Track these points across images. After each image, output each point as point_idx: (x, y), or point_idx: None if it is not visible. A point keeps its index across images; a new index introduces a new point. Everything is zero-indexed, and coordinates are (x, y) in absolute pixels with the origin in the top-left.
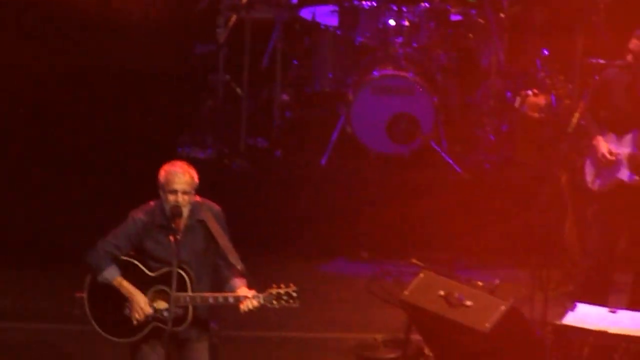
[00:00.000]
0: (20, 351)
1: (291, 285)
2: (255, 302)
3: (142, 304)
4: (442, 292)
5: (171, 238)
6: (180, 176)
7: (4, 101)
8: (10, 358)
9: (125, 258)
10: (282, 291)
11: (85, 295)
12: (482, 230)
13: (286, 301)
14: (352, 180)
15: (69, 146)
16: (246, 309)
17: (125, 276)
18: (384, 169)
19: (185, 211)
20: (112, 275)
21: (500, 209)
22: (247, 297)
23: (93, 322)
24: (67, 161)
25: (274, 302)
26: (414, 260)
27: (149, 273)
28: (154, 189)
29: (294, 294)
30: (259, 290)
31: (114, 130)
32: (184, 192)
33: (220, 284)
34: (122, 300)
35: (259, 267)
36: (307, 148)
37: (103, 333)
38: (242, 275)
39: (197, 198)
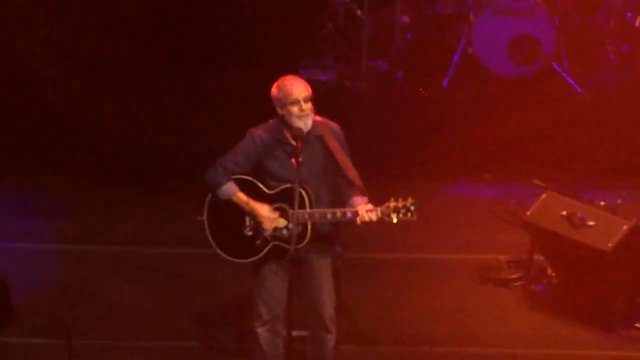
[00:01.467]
0: (140, 273)
1: (409, 198)
2: (372, 215)
3: (265, 213)
4: (564, 213)
5: (293, 161)
6: (297, 85)
7: None
8: (131, 280)
9: (243, 177)
10: (399, 204)
11: (205, 217)
12: (603, 150)
13: (404, 214)
14: (473, 102)
15: (192, 74)
16: (363, 221)
17: (245, 194)
18: (505, 90)
19: (310, 123)
20: (233, 190)
21: (622, 128)
22: (364, 210)
23: (213, 244)
24: (191, 84)
25: (392, 215)
26: (536, 181)
27: (267, 191)
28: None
29: (412, 207)
30: (378, 206)
31: (235, 52)
32: (306, 100)
33: (341, 202)
34: (241, 220)
35: (380, 188)
36: (428, 70)
37: (224, 254)
38: (362, 193)
39: (317, 117)
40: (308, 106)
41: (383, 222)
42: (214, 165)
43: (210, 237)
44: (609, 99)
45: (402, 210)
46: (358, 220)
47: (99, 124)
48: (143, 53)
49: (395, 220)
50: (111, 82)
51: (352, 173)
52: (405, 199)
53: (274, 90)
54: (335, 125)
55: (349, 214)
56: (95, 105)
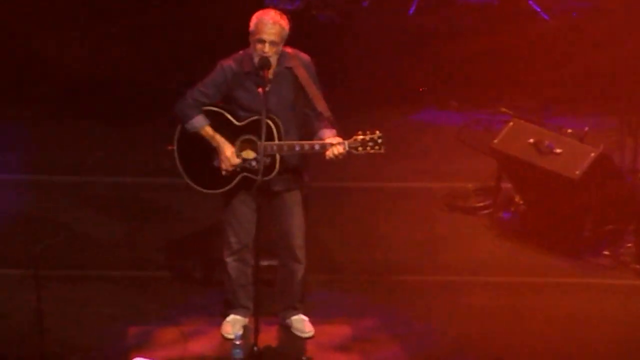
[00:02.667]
0: (107, 203)
1: (376, 131)
2: (340, 149)
3: (228, 153)
4: (531, 140)
5: (260, 90)
6: (270, 26)
7: None
8: (99, 210)
9: (213, 108)
10: (367, 137)
11: (175, 147)
12: (570, 77)
13: (371, 147)
14: (439, 30)
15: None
16: (332, 155)
17: (213, 126)
18: (471, 17)
19: (273, 61)
20: (201, 123)
21: (588, 55)
22: (332, 144)
23: (183, 174)
24: (156, 17)
25: (360, 148)
26: (504, 109)
27: (237, 122)
28: (242, 40)
29: (379, 140)
30: (346, 138)
31: None
32: (272, 43)
33: (309, 134)
34: (211, 151)
35: (348, 117)
36: None
37: (193, 184)
38: (331, 125)
39: (288, 48)
40: (272, 50)
41: (351, 155)
42: (183, 97)
43: (180, 168)
44: (575, 25)
45: (370, 144)
46: (327, 153)
47: (65, 53)
48: None
49: (362, 153)
50: (75, 11)
51: (322, 105)
52: (372, 132)
53: (252, 18)
54: (305, 57)
55: (317, 147)
56: (61, 35)
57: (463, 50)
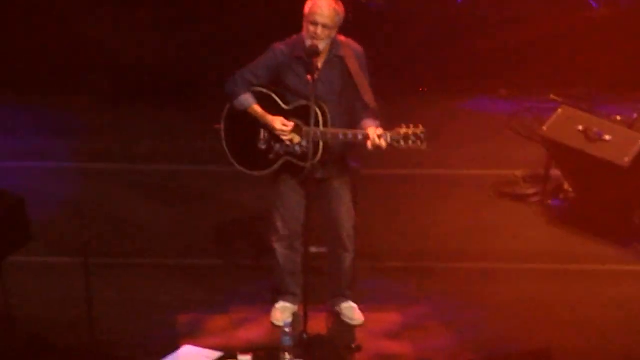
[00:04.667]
0: (157, 191)
1: (419, 126)
2: (382, 141)
3: (280, 124)
4: (580, 127)
5: (308, 77)
6: (324, 8)
7: None
8: (149, 198)
9: (261, 89)
10: (409, 131)
11: (222, 126)
12: (620, 64)
13: (413, 142)
14: (488, 17)
15: None
16: (372, 146)
17: (261, 107)
18: (520, 5)
19: (323, 46)
20: (249, 101)
21: (638, 42)
22: (374, 135)
23: (228, 154)
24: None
25: (401, 142)
26: (553, 96)
27: (284, 106)
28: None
29: (422, 135)
30: (391, 129)
31: None
32: (325, 26)
33: (354, 123)
34: (257, 133)
35: (396, 104)
36: None
37: (237, 165)
38: (376, 116)
39: (341, 37)
40: (325, 33)
41: (392, 147)
42: (233, 76)
43: (225, 146)
44: (623, 12)
45: (412, 138)
46: (368, 143)
47: (115, 42)
48: None
49: (404, 147)
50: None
51: (369, 96)
52: (416, 126)
53: (307, 2)
54: (358, 47)
55: (359, 136)
56: (111, 24)
57: (512, 37)
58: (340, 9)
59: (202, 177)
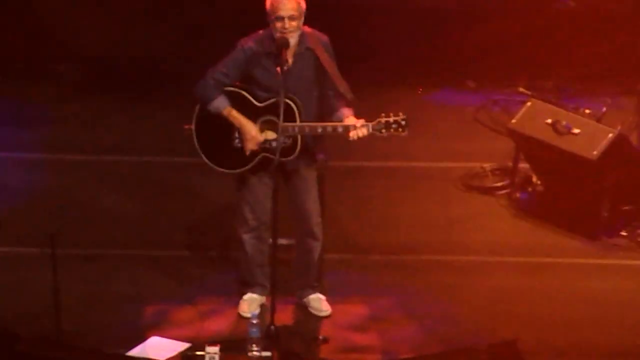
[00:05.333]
0: (125, 182)
1: (400, 113)
2: (364, 131)
3: (253, 132)
4: (549, 120)
5: (278, 69)
6: (285, 2)
7: None
8: (116, 190)
9: (233, 89)
10: (391, 119)
11: (193, 126)
12: (588, 57)
13: (395, 129)
14: (457, 9)
15: None
16: (355, 137)
17: (234, 107)
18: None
19: (293, 40)
20: (223, 104)
21: (607, 35)
22: (355, 125)
23: (201, 154)
24: None
25: (383, 130)
26: (521, 89)
27: (257, 103)
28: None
29: (403, 122)
30: (367, 119)
31: None
32: (291, 18)
33: (328, 114)
34: (231, 131)
35: (366, 96)
36: None
37: (212, 164)
38: (350, 105)
39: (306, 28)
40: (292, 24)
41: (373, 136)
42: (204, 78)
43: (198, 147)
44: (593, 4)
45: (394, 125)
46: (350, 135)
47: (83, 33)
48: None
49: (385, 135)
50: None
51: (343, 86)
52: (396, 114)
53: (266, 1)
54: (324, 37)
55: (340, 129)
56: (80, 14)
57: (480, 30)
58: None
59: (169, 169)
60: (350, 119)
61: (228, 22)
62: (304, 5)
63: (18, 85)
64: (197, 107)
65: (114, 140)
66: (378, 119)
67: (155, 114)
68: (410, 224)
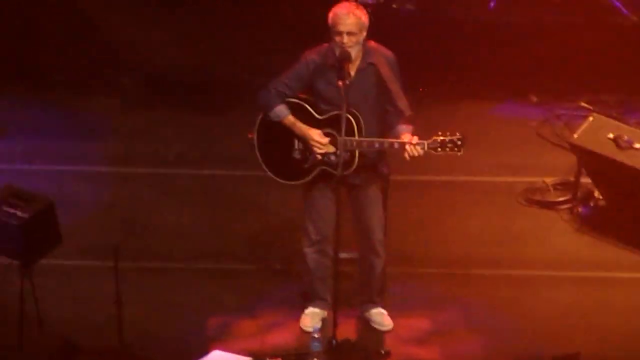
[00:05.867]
0: (188, 196)
1: (457, 133)
2: (419, 149)
3: (316, 136)
4: (611, 135)
5: (339, 83)
6: (344, 17)
7: None
8: (179, 203)
9: (294, 100)
10: (446, 138)
11: (255, 136)
12: None
13: (451, 149)
14: (520, 24)
15: None
16: (409, 155)
17: (295, 117)
18: (552, 11)
19: (354, 53)
20: (284, 113)
21: None
22: (411, 143)
23: (262, 164)
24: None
25: (439, 149)
26: (584, 103)
27: (317, 116)
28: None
29: (459, 142)
30: (425, 137)
31: None
32: (350, 33)
33: (387, 129)
34: (291, 142)
35: (427, 109)
36: None
37: (272, 174)
38: (410, 122)
39: (372, 43)
40: (352, 40)
41: (429, 155)
42: (266, 87)
43: (259, 156)
44: None
45: (449, 145)
46: (405, 153)
47: (147, 44)
48: None
49: (441, 154)
50: (160, 4)
51: (403, 103)
52: (453, 133)
53: (329, 14)
54: (389, 53)
55: (396, 145)
56: (142, 27)
57: (543, 43)
58: (361, 13)
59: (232, 181)
60: (406, 136)
61: (290, 38)
62: (365, 20)
63: (81, 96)
64: (259, 117)
65: (177, 152)
66: (434, 137)
67: (216, 127)
68: (472, 238)
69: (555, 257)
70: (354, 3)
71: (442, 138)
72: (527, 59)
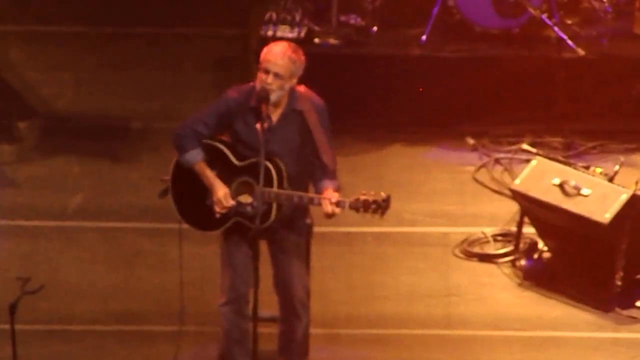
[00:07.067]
0: (94, 252)
1: (382, 193)
2: (338, 209)
3: (221, 195)
4: (557, 180)
5: (258, 126)
6: (277, 57)
7: None
8: (82, 258)
9: (213, 143)
10: (370, 199)
11: (169, 178)
12: (599, 111)
13: (374, 210)
14: (455, 59)
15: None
16: (329, 212)
17: (211, 163)
18: (490, 46)
19: (275, 96)
20: (195, 158)
21: (619, 86)
22: (331, 201)
23: (175, 209)
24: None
25: (361, 209)
26: (525, 146)
27: (236, 162)
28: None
29: (383, 204)
30: (350, 189)
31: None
32: (276, 75)
33: (312, 181)
34: (206, 188)
35: (357, 153)
36: (405, 24)
37: (184, 221)
38: (333, 176)
39: (301, 88)
40: (277, 83)
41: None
42: (183, 125)
43: (173, 201)
44: (604, 53)
45: (373, 206)
46: (324, 212)
47: (41, 90)
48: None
49: (362, 214)
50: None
51: (328, 156)
52: (378, 194)
53: (263, 49)
54: (319, 101)
55: (316, 201)
56: (40, 71)
57: (480, 81)
58: (298, 57)
59: (141, 234)
60: (327, 192)
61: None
62: (298, 67)
63: None
64: (175, 159)
65: (78, 203)
66: (357, 197)
67: (124, 174)
68: (405, 294)
69: (495, 315)
70: (294, 46)
71: (365, 198)
72: (463, 97)
